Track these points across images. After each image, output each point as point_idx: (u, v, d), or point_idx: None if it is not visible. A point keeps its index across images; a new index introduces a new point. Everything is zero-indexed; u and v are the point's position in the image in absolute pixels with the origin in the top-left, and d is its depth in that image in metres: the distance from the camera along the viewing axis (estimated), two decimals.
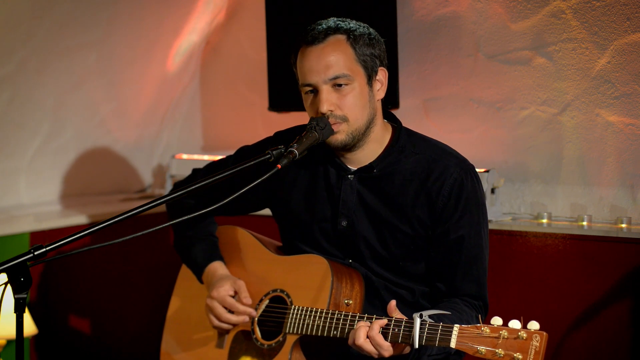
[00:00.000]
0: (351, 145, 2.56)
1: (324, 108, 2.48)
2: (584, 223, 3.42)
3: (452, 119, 3.78)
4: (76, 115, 4.21)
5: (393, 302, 2.35)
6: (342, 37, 2.51)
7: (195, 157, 4.40)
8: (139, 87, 4.41)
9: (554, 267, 3.39)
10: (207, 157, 4.29)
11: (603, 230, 3.31)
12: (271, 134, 2.87)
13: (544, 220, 3.49)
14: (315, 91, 2.52)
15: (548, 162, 3.57)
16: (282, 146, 2.40)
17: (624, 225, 3.32)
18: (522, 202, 3.64)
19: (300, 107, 3.94)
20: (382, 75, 2.58)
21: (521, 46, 3.57)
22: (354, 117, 2.51)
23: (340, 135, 2.52)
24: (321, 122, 2.48)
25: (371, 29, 2.58)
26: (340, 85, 2.49)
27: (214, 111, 4.68)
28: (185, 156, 4.41)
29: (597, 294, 3.29)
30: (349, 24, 2.55)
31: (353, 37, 2.51)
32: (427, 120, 3.83)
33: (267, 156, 2.37)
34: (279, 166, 2.35)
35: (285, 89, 3.96)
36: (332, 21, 2.55)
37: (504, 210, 3.65)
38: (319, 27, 2.53)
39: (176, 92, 4.61)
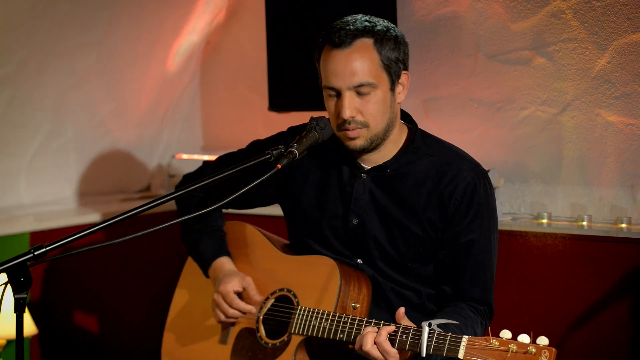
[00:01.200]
0: (369, 149, 2.56)
1: (347, 114, 2.47)
2: (584, 223, 3.42)
3: (452, 119, 3.78)
4: (76, 115, 4.21)
5: (402, 310, 2.35)
6: (369, 42, 2.47)
7: (195, 157, 4.40)
8: (139, 87, 4.41)
9: (554, 267, 3.39)
10: (207, 157, 4.28)
11: (603, 230, 3.31)
12: (271, 134, 2.86)
13: (544, 220, 3.49)
14: (338, 94, 2.50)
15: (548, 162, 3.57)
16: (282, 146, 2.40)
17: (624, 225, 3.32)
18: (522, 202, 3.64)
19: (300, 107, 3.97)
20: (404, 78, 2.57)
21: (521, 46, 3.57)
22: (375, 123, 2.51)
23: (360, 140, 2.52)
24: (321, 122, 2.48)
25: (397, 31, 2.54)
26: (363, 92, 2.48)
27: (214, 111, 4.68)
28: (185, 156, 4.41)
29: (597, 294, 3.29)
30: (376, 25, 2.50)
31: (380, 41, 2.48)
32: (427, 120, 3.83)
33: (267, 156, 2.37)
34: (279, 166, 2.34)
35: (285, 89, 3.96)
36: (359, 21, 2.50)
37: (504, 210, 3.65)
38: (347, 27, 2.47)
39: (176, 92, 4.61)
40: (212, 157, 3.92)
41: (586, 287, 3.31)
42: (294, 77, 3.91)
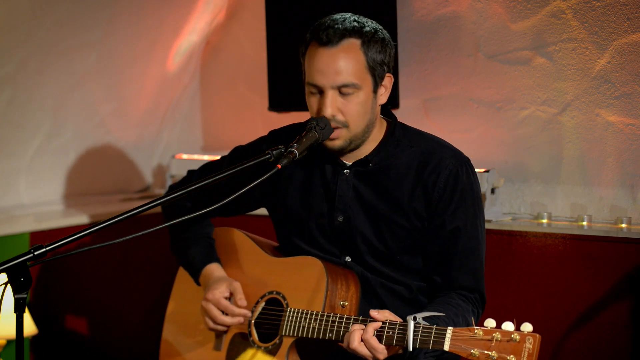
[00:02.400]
0: (348, 150, 2.57)
1: (328, 112, 2.47)
2: (584, 223, 3.42)
3: (452, 119, 3.78)
4: (76, 115, 4.21)
5: (373, 312, 2.35)
6: (356, 42, 2.47)
7: (195, 157, 4.39)
8: (139, 87, 4.41)
9: (554, 267, 3.39)
10: (207, 157, 4.28)
11: (603, 230, 3.31)
12: None
13: (544, 220, 3.49)
14: (321, 92, 2.51)
15: (548, 162, 3.57)
16: (282, 146, 2.40)
17: (624, 225, 3.32)
18: (522, 202, 3.64)
19: (300, 107, 3.96)
20: (387, 81, 2.57)
21: (521, 46, 3.57)
22: (355, 124, 2.51)
23: (339, 141, 2.53)
24: (321, 122, 2.48)
25: (385, 33, 2.54)
26: (346, 92, 2.48)
27: (214, 111, 4.68)
28: (185, 156, 4.41)
29: (597, 294, 3.29)
30: (365, 26, 2.49)
31: (367, 43, 2.47)
32: (427, 120, 3.83)
33: (267, 156, 2.37)
34: (279, 166, 2.34)
35: (285, 89, 3.96)
36: (348, 20, 2.49)
37: (504, 210, 3.65)
38: (336, 26, 2.47)
39: (176, 92, 4.61)
40: (212, 157, 3.92)
41: (586, 287, 3.31)
42: (294, 77, 3.88)
